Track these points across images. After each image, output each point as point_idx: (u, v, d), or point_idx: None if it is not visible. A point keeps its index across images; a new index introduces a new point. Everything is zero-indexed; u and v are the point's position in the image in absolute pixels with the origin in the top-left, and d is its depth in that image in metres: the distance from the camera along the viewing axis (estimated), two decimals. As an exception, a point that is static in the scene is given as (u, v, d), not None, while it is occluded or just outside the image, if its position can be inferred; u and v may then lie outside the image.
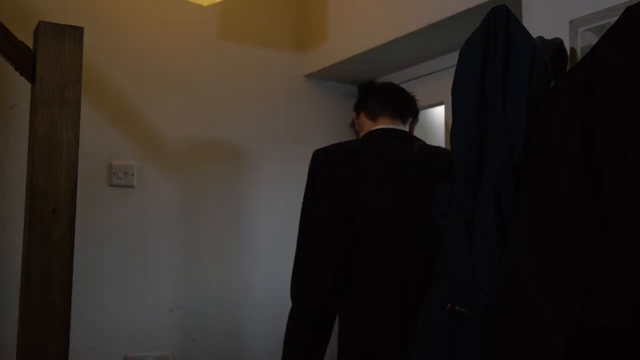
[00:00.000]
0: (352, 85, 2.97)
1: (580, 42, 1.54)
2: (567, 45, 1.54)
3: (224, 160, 2.71)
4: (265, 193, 2.77)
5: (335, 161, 1.77)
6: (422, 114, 2.74)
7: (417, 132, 1.99)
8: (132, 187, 2.51)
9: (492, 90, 1.33)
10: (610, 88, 1.14)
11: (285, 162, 2.81)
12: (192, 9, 2.55)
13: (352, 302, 1.72)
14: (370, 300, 1.70)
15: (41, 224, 1.58)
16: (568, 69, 1.50)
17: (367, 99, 1.96)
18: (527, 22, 1.67)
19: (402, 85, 2.70)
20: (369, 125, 1.91)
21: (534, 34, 1.45)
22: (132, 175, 2.51)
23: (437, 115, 2.65)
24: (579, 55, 1.53)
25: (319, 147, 2.11)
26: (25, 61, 1.63)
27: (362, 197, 1.71)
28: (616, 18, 1.21)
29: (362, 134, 1.93)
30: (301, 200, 1.79)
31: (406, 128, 1.92)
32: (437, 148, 1.90)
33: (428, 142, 1.90)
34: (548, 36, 1.53)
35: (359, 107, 1.97)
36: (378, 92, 1.99)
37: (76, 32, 1.66)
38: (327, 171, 1.75)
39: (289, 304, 1.79)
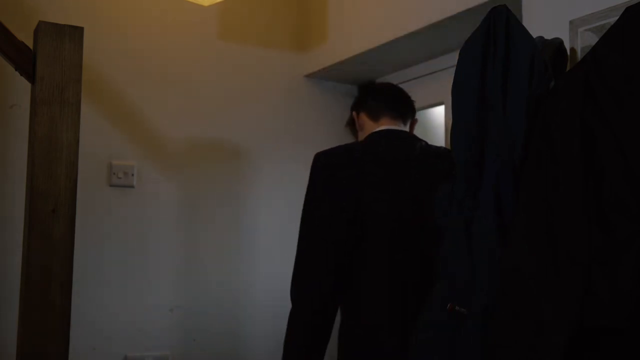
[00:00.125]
0: (352, 85, 2.97)
1: (580, 42, 1.54)
2: (567, 45, 1.54)
3: (224, 160, 2.71)
4: (265, 193, 2.77)
5: (336, 164, 1.77)
6: (422, 114, 2.75)
7: (417, 132, 1.99)
8: (132, 187, 2.52)
9: (492, 90, 1.33)
10: (610, 88, 1.14)
11: (285, 162, 2.81)
12: (192, 9, 2.55)
13: (353, 305, 1.72)
14: (371, 302, 1.70)
15: (41, 224, 1.58)
16: (568, 69, 1.50)
17: (367, 98, 1.96)
18: (527, 22, 1.67)
19: (402, 85, 2.71)
20: (370, 126, 1.91)
21: (534, 34, 1.45)
22: (132, 175, 2.51)
23: (437, 115, 2.65)
24: (579, 55, 1.53)
25: (319, 147, 2.11)
26: (25, 61, 1.63)
27: (363, 199, 1.71)
28: (616, 18, 1.20)
29: (362, 133, 1.94)
30: (301, 201, 1.79)
31: (407, 128, 1.92)
32: (439, 148, 1.90)
33: (428, 142, 1.90)
34: (548, 36, 1.53)
35: (358, 107, 1.97)
36: (378, 92, 2.00)
37: (76, 32, 1.66)
38: (328, 174, 1.76)
39: (289, 304, 1.79)
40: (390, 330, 1.66)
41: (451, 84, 1.42)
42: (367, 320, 1.69)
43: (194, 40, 2.68)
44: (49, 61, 1.62)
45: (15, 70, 1.67)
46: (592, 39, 1.48)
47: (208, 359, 2.60)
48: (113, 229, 2.47)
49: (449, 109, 2.40)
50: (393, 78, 2.76)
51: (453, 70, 1.43)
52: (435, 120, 2.68)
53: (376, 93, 2.00)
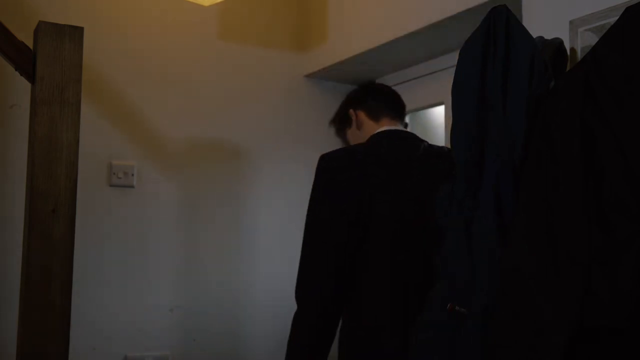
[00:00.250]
0: (352, 85, 2.97)
1: (580, 42, 1.54)
2: (567, 45, 1.54)
3: (224, 160, 2.71)
4: (265, 193, 2.77)
5: (337, 167, 1.77)
6: (422, 113, 2.75)
7: (417, 132, 1.99)
8: (132, 187, 2.52)
9: (492, 90, 1.33)
10: (610, 88, 1.14)
11: (285, 162, 2.81)
12: (192, 9, 2.55)
13: (355, 306, 1.72)
14: (372, 303, 1.70)
15: (41, 224, 1.58)
16: (568, 69, 1.50)
17: (367, 98, 1.97)
18: (527, 22, 1.67)
19: (402, 85, 2.72)
20: (370, 125, 1.91)
21: (534, 34, 1.45)
22: (132, 175, 2.51)
23: (437, 115, 2.65)
24: (579, 55, 1.53)
25: (319, 147, 2.12)
26: (25, 61, 1.63)
27: (365, 201, 1.71)
28: (616, 18, 1.20)
29: (359, 132, 1.93)
30: (301, 201, 1.79)
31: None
32: (441, 148, 1.90)
33: (429, 142, 1.90)
34: (548, 36, 1.53)
35: (356, 105, 1.96)
36: (379, 92, 2.01)
37: (76, 32, 1.66)
38: (329, 177, 1.76)
39: (289, 304, 1.79)
40: (392, 331, 1.66)
41: (451, 84, 1.42)
42: (368, 321, 1.69)
43: (194, 40, 2.68)
44: (49, 61, 1.62)
45: (15, 70, 1.67)
46: (592, 39, 1.48)
47: (208, 359, 2.60)
48: (113, 229, 2.47)
49: (449, 109, 2.40)
50: (393, 78, 2.76)
51: (453, 70, 1.43)
52: (435, 120, 2.68)
53: (376, 93, 2.00)
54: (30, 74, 1.64)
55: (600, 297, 1.05)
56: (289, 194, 2.80)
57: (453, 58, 1.66)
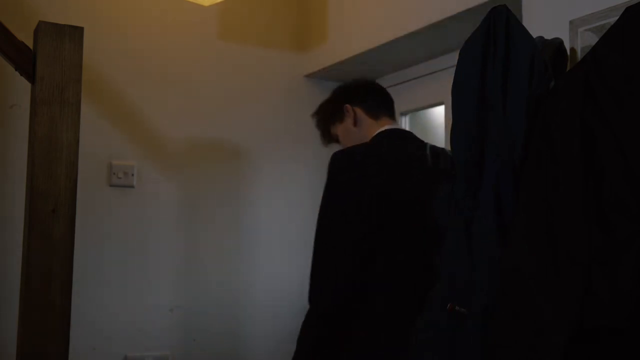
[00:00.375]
0: (352, 85, 2.97)
1: (580, 42, 1.54)
2: (567, 45, 1.54)
3: (224, 160, 2.71)
4: (265, 193, 2.77)
5: (338, 167, 1.77)
6: (422, 113, 2.75)
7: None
8: (132, 187, 2.52)
9: (492, 90, 1.33)
10: (610, 88, 1.14)
11: (285, 162, 2.81)
12: (192, 9, 2.55)
13: (358, 307, 1.72)
14: (372, 304, 1.70)
15: (41, 224, 1.58)
16: (568, 69, 1.50)
17: (367, 97, 1.97)
18: (527, 22, 1.66)
19: (402, 86, 2.72)
20: (371, 124, 1.91)
21: (534, 34, 1.45)
22: (132, 175, 2.51)
23: (437, 115, 2.65)
24: (579, 55, 1.53)
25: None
26: (25, 61, 1.63)
27: (364, 202, 1.71)
28: (616, 18, 1.20)
29: (356, 129, 1.92)
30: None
31: None
32: (442, 149, 1.91)
33: (428, 142, 1.90)
34: (548, 36, 1.53)
35: (353, 101, 1.94)
36: (377, 92, 2.01)
37: (76, 32, 1.66)
38: (331, 179, 1.77)
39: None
40: (392, 332, 1.66)
41: (451, 84, 1.42)
42: (367, 319, 1.70)
43: (194, 40, 2.68)
44: (49, 61, 1.62)
45: (15, 70, 1.67)
46: (592, 39, 1.48)
47: (208, 359, 2.60)
48: (113, 229, 2.47)
49: (449, 109, 2.40)
50: (393, 78, 2.76)
51: (453, 70, 1.43)
52: (435, 120, 2.68)
53: (375, 92, 2.00)
54: (30, 74, 1.64)
55: (600, 297, 1.05)
56: (289, 194, 2.80)
57: (453, 58, 1.66)
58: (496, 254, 1.26)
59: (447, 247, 1.39)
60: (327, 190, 1.77)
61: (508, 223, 1.28)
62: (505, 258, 1.23)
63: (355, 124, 1.93)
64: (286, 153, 2.82)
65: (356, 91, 2.01)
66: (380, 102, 1.95)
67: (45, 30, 1.63)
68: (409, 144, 1.85)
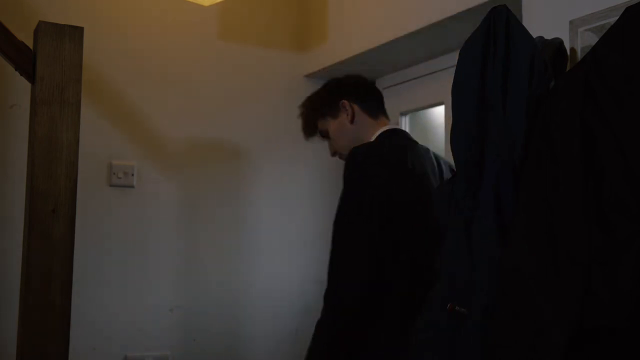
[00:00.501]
0: (352, 85, 2.97)
1: (580, 42, 1.54)
2: (567, 45, 1.54)
3: (224, 160, 2.71)
4: (265, 193, 2.77)
5: (345, 167, 1.78)
6: (422, 113, 2.75)
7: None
8: (132, 187, 2.52)
9: (492, 90, 1.33)
10: (610, 88, 1.14)
11: (285, 162, 2.81)
12: (192, 9, 2.55)
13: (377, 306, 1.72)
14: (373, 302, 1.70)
15: (41, 224, 1.58)
16: (568, 69, 1.50)
17: (366, 95, 1.97)
18: (527, 22, 1.66)
19: (402, 85, 2.72)
20: (369, 123, 1.92)
21: (534, 34, 1.45)
22: (132, 175, 2.51)
23: (437, 115, 2.65)
24: (579, 55, 1.53)
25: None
26: (25, 61, 1.63)
27: (365, 203, 1.72)
28: (616, 18, 1.20)
29: (353, 126, 1.91)
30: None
31: None
32: (435, 154, 1.94)
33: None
34: (548, 36, 1.53)
35: (352, 98, 1.93)
36: (376, 92, 2.02)
37: (76, 32, 1.66)
38: (345, 177, 1.77)
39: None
40: (389, 330, 1.66)
41: (451, 84, 1.42)
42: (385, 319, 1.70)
43: (194, 40, 2.68)
44: (49, 61, 1.62)
45: (15, 70, 1.67)
46: (592, 39, 1.48)
47: (208, 359, 2.60)
48: (113, 229, 2.47)
49: (449, 109, 2.40)
50: (393, 78, 2.76)
51: (453, 70, 1.43)
52: (435, 120, 2.68)
53: (374, 92, 2.01)
54: (30, 74, 1.64)
55: (600, 297, 1.05)
56: (289, 194, 2.80)
57: (453, 58, 1.66)
58: (496, 254, 1.26)
59: (447, 247, 1.39)
60: (352, 189, 1.76)
61: (508, 223, 1.28)
62: (505, 258, 1.23)
63: (352, 121, 1.92)
64: (286, 153, 2.82)
65: (355, 88, 1.99)
66: (378, 102, 1.96)
67: (45, 30, 1.63)
68: (410, 145, 1.86)
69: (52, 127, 1.61)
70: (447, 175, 1.88)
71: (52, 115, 1.61)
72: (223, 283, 2.66)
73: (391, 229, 1.70)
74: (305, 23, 2.89)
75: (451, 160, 1.46)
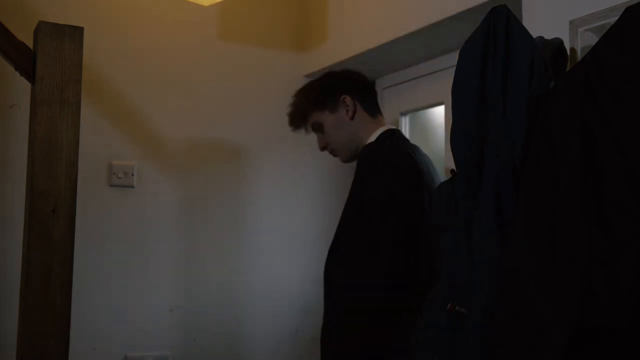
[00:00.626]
0: (352, 85, 2.97)
1: (580, 42, 1.54)
2: (567, 45, 1.54)
3: (224, 160, 2.71)
4: (265, 193, 2.77)
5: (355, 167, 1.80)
6: (422, 113, 2.75)
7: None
8: (132, 187, 2.51)
9: (492, 90, 1.33)
10: (610, 88, 1.14)
11: (285, 162, 2.81)
12: (192, 9, 2.55)
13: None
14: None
15: (41, 224, 1.58)
16: (568, 69, 1.50)
17: (368, 95, 1.97)
18: (527, 22, 1.66)
19: (402, 85, 2.72)
20: (368, 121, 1.92)
21: (534, 34, 1.45)
22: (132, 175, 2.51)
23: (437, 115, 2.65)
24: (579, 55, 1.53)
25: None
26: (25, 61, 1.63)
27: (366, 204, 1.72)
28: (616, 18, 1.20)
29: (352, 123, 1.91)
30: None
31: None
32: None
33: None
34: (548, 36, 1.53)
35: (353, 94, 1.93)
36: (374, 90, 2.03)
37: (76, 32, 1.66)
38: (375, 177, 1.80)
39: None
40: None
41: (451, 84, 1.42)
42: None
43: (194, 40, 2.68)
44: (49, 61, 1.62)
45: (15, 70, 1.67)
46: (592, 39, 1.48)
47: (208, 359, 2.60)
48: (113, 229, 2.47)
49: (449, 109, 2.40)
50: (393, 78, 2.76)
51: (453, 70, 1.43)
52: (435, 120, 2.68)
53: (373, 90, 2.02)
54: (30, 74, 1.64)
55: (600, 297, 1.05)
56: (289, 194, 2.80)
57: (453, 58, 1.66)
58: (496, 254, 1.26)
59: (447, 247, 1.39)
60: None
61: (508, 223, 1.28)
62: (505, 258, 1.23)
63: (351, 116, 1.91)
64: (286, 153, 2.82)
65: (357, 85, 1.98)
66: (375, 101, 1.97)
67: (45, 30, 1.63)
68: (409, 146, 1.87)
69: (52, 127, 1.61)
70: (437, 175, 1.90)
71: (52, 115, 1.61)
72: (223, 283, 2.66)
73: (410, 230, 1.71)
74: (305, 23, 2.89)
75: (451, 161, 1.46)
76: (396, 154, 1.81)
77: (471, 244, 1.32)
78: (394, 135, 1.90)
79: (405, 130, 2.71)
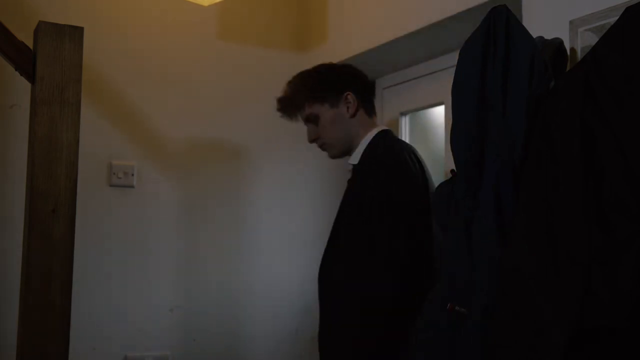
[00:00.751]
0: (352, 85, 2.97)
1: (580, 42, 1.54)
2: (567, 45, 1.54)
3: (224, 160, 2.71)
4: (265, 193, 2.77)
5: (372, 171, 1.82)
6: (422, 113, 2.75)
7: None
8: (132, 187, 2.51)
9: (492, 90, 1.33)
10: (610, 88, 1.14)
11: (285, 162, 2.81)
12: (192, 9, 2.55)
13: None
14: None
15: (41, 224, 1.58)
16: (568, 69, 1.50)
17: (367, 95, 1.97)
18: (527, 22, 1.66)
19: (402, 85, 2.72)
20: (365, 120, 1.92)
21: (534, 34, 1.45)
22: (132, 175, 2.51)
23: (437, 115, 2.65)
24: (579, 55, 1.53)
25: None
26: (25, 61, 1.63)
27: (365, 205, 1.73)
28: (616, 18, 1.20)
29: (350, 120, 1.90)
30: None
31: None
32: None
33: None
34: (548, 36, 1.53)
35: (356, 92, 1.92)
36: (374, 92, 2.03)
37: (76, 32, 1.66)
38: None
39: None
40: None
41: (451, 84, 1.42)
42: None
43: (194, 40, 2.68)
44: (49, 61, 1.62)
45: (15, 70, 1.67)
46: (592, 39, 1.48)
47: (208, 359, 2.60)
48: (113, 229, 2.47)
49: (449, 109, 2.40)
50: (393, 78, 2.76)
51: (453, 70, 1.43)
52: (435, 120, 2.68)
53: (373, 90, 2.02)
54: (30, 74, 1.64)
55: (600, 297, 1.05)
56: (289, 194, 2.80)
57: (453, 58, 1.66)
58: (496, 254, 1.26)
59: (447, 247, 1.39)
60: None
61: (508, 223, 1.28)
62: (505, 258, 1.23)
63: (352, 114, 1.90)
64: (286, 153, 2.82)
65: (360, 83, 1.96)
66: (372, 101, 1.97)
67: (45, 30, 1.63)
68: (404, 146, 1.88)
69: (52, 127, 1.61)
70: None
71: (52, 115, 1.61)
72: (223, 283, 2.66)
73: (418, 228, 1.71)
74: (305, 23, 2.89)
75: (451, 161, 1.46)
76: (391, 155, 1.81)
77: (471, 244, 1.32)
78: (387, 136, 1.90)
79: (405, 130, 2.71)
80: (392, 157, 1.80)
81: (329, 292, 1.81)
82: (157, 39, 2.59)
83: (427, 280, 1.62)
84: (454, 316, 1.31)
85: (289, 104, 1.98)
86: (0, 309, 2.24)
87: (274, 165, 2.80)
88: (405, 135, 2.70)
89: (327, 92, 1.91)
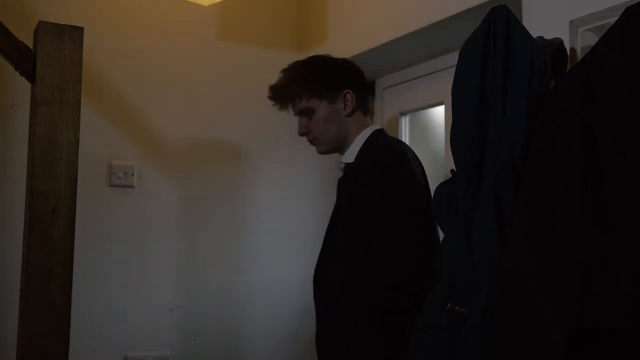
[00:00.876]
0: (352, 85, 2.97)
1: (580, 42, 1.54)
2: (567, 45, 1.54)
3: (224, 160, 2.71)
4: (265, 193, 2.77)
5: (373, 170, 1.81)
6: (422, 113, 2.75)
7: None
8: (132, 187, 2.51)
9: (492, 90, 1.33)
10: (610, 88, 1.14)
11: (285, 162, 2.81)
12: (192, 9, 2.55)
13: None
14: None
15: (41, 224, 1.58)
16: (568, 69, 1.50)
17: (364, 95, 1.97)
18: (527, 22, 1.66)
19: (402, 85, 2.72)
20: (361, 119, 1.92)
21: (534, 34, 1.45)
22: (132, 175, 2.51)
23: (437, 115, 2.65)
24: (579, 55, 1.53)
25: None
26: (25, 61, 1.63)
27: (363, 205, 1.73)
28: (616, 18, 1.20)
29: (347, 118, 1.90)
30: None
31: None
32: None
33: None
34: (548, 36, 1.53)
35: (355, 90, 1.91)
36: (371, 91, 2.03)
37: (76, 32, 1.66)
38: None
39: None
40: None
41: (451, 84, 1.42)
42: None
43: (194, 40, 2.67)
44: (49, 61, 1.62)
45: (15, 70, 1.67)
46: (592, 39, 1.48)
47: (208, 359, 2.60)
48: (113, 229, 2.47)
49: (449, 109, 2.40)
50: (393, 78, 2.76)
51: (453, 70, 1.43)
52: (435, 120, 2.68)
53: (370, 89, 2.02)
54: (30, 74, 1.64)
55: (600, 297, 1.05)
56: (289, 194, 2.80)
57: (453, 58, 1.66)
58: (496, 254, 1.26)
59: (447, 247, 1.39)
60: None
61: (508, 223, 1.28)
62: (505, 258, 1.23)
63: (350, 112, 1.90)
64: (286, 153, 2.82)
65: (359, 82, 1.95)
66: (368, 101, 1.98)
67: (45, 30, 1.63)
68: (401, 145, 1.88)
69: (52, 127, 1.61)
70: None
71: (52, 115, 1.61)
72: (223, 283, 2.66)
73: (415, 228, 1.71)
74: (305, 23, 2.89)
75: (451, 161, 1.46)
76: (387, 154, 1.80)
77: (471, 244, 1.32)
78: (381, 135, 1.90)
79: (405, 130, 2.71)
80: (388, 156, 1.79)
81: (325, 292, 1.81)
82: (157, 39, 2.59)
83: (425, 280, 1.62)
84: (454, 316, 1.31)
85: (283, 93, 1.94)
86: (0, 309, 2.24)
87: (274, 165, 2.80)
88: (405, 135, 2.70)
89: (327, 88, 1.89)
